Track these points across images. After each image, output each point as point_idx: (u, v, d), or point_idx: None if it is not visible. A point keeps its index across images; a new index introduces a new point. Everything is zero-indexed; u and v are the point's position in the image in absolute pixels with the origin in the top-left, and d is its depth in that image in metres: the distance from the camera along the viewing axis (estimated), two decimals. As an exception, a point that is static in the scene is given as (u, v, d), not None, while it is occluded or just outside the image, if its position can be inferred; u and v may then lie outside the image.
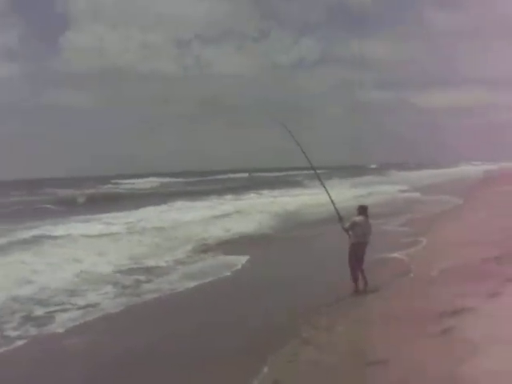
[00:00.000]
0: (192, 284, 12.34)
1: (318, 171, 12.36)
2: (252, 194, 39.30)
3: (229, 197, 36.70)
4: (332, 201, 11.11)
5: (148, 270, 14.02)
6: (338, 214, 10.72)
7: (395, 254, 13.97)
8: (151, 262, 14.94)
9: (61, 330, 9.25)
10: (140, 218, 23.39)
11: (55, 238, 17.59)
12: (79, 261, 14.44)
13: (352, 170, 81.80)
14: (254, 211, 26.41)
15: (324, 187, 11.52)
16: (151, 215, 24.99)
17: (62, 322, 9.67)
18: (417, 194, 34.59)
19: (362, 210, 10.69)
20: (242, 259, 14.98)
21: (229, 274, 13.39)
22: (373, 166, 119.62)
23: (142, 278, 13.17)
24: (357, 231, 10.43)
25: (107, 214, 25.45)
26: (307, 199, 31.52)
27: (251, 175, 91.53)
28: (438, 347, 6.41)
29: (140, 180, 79.31)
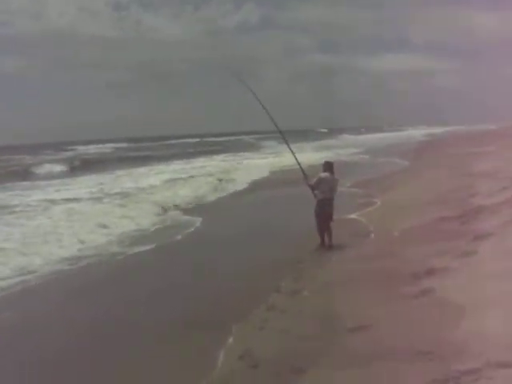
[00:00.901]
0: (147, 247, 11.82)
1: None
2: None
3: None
4: (296, 159, 10.99)
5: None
6: (303, 171, 10.64)
7: (352, 215, 13.59)
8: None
9: None
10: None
11: None
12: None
13: (304, 134, 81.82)
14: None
15: (288, 146, 11.38)
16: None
17: None
18: (366, 157, 34.77)
19: (328, 166, 10.59)
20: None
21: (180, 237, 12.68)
22: (323, 130, 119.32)
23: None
24: (323, 187, 10.35)
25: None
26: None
27: (202, 140, 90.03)
28: (420, 310, 5.97)
29: (99, 145, 78.06)
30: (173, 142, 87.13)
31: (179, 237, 12.78)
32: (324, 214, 10.36)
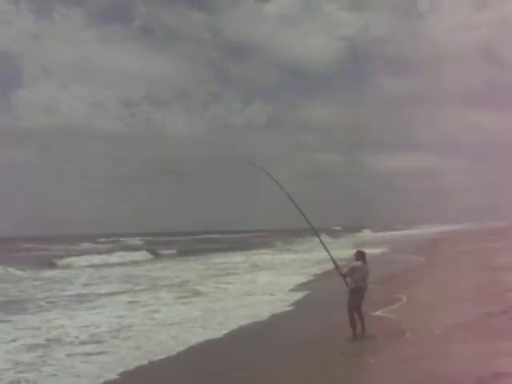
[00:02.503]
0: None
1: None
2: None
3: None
4: (327, 250, 10.82)
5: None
6: (334, 261, 10.39)
7: (377, 313, 12.51)
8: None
9: None
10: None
11: None
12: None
13: (328, 232, 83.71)
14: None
15: (320, 241, 11.34)
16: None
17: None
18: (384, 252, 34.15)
19: (360, 255, 10.49)
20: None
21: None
22: (337, 228, 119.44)
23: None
24: (356, 276, 10.19)
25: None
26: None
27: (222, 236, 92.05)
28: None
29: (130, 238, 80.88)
30: (198, 236, 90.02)
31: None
32: (357, 302, 10.17)
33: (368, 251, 11.29)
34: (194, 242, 71.37)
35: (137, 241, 74.62)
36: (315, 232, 11.50)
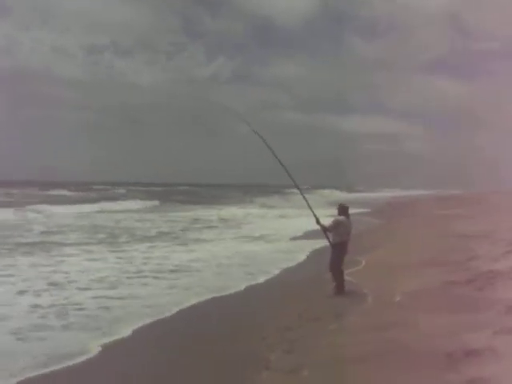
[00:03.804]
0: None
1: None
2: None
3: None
4: (308, 204, 10.50)
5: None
6: (315, 215, 10.13)
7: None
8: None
9: None
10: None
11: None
12: None
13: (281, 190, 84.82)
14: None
15: (303, 196, 10.87)
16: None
17: None
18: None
19: (343, 209, 10.38)
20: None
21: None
22: (305, 187, 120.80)
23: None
24: (341, 231, 10.09)
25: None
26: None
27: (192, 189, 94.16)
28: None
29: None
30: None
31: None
32: (343, 256, 10.18)
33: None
34: (174, 194, 71.00)
35: (120, 190, 75.40)
36: (298, 188, 10.90)
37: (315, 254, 15.50)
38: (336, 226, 10.04)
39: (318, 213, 10.20)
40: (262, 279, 12.14)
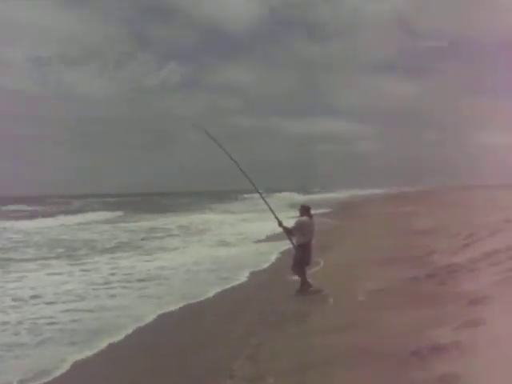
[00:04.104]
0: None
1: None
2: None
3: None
4: (270, 207, 10.69)
5: None
6: (277, 218, 10.26)
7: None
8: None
9: None
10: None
11: None
12: None
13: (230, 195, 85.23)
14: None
15: (263, 199, 11.19)
16: None
17: None
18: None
19: (305, 210, 10.39)
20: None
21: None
22: (260, 191, 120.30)
23: None
24: (304, 231, 10.14)
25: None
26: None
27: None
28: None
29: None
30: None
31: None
32: (307, 257, 10.23)
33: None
34: (134, 203, 71.43)
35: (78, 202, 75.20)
36: (258, 192, 11.20)
37: (280, 257, 15.75)
38: (300, 227, 10.13)
39: (280, 216, 10.45)
40: (229, 284, 12.21)
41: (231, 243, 20.65)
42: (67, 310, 9.96)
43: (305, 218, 10.23)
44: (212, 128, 10.66)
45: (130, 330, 8.56)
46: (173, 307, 10.08)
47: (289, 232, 10.16)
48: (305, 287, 10.14)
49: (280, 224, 10.16)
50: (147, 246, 20.42)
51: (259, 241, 20.85)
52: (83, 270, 14.68)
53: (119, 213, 47.51)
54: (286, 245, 12.42)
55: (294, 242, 10.27)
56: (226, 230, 26.95)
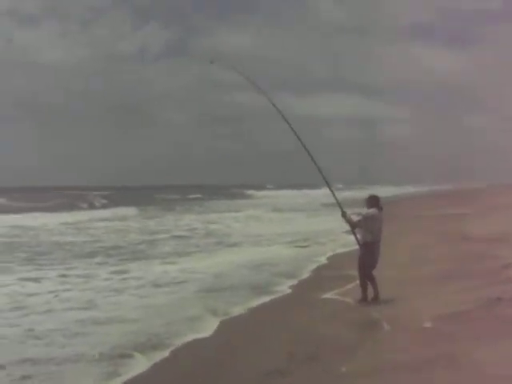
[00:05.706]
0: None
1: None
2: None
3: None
4: (334, 194, 9.54)
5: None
6: (341, 207, 9.16)
7: (327, 295, 10.03)
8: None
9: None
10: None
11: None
12: None
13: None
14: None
15: (329, 187, 9.71)
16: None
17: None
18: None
19: (374, 200, 9.17)
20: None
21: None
22: (269, 186, 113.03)
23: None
24: (372, 227, 8.87)
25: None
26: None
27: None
28: None
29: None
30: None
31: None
32: (374, 260, 8.95)
33: None
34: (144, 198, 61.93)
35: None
36: (328, 184, 9.69)
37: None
38: (366, 221, 8.97)
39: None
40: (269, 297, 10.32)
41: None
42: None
43: (373, 211, 9.08)
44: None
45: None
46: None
47: (354, 226, 9.15)
48: (364, 297, 8.96)
49: (343, 214, 9.16)
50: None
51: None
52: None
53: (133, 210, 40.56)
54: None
55: (359, 238, 9.20)
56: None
